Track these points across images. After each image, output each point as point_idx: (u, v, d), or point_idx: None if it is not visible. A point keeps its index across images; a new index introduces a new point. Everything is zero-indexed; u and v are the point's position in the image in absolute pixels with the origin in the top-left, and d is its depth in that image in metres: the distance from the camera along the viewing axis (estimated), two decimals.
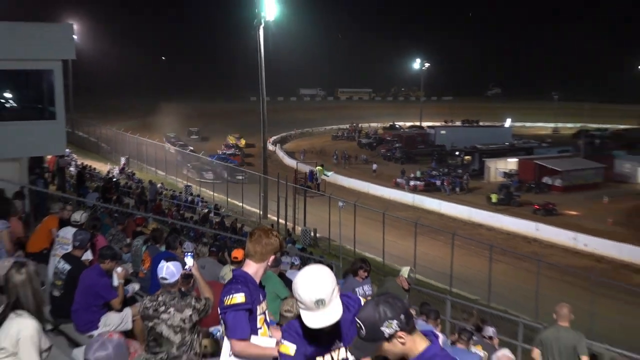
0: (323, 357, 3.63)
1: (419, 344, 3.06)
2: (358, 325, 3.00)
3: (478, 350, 8.84)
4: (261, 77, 39.18)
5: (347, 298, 3.71)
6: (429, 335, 3.14)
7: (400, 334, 2.97)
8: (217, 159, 54.31)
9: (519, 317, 19.34)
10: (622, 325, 19.88)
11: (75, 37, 21.49)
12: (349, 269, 10.76)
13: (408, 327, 2.99)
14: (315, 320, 3.37)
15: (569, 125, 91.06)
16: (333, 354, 3.64)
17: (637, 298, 22.07)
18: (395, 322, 2.95)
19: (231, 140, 68.78)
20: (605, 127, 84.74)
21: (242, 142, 67.00)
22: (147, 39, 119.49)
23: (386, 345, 3.00)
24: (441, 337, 8.27)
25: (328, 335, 3.56)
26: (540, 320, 19.52)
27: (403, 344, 2.99)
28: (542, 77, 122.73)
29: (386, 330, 2.95)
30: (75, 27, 27.72)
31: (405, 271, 10.21)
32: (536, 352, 8.54)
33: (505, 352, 6.41)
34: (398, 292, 9.81)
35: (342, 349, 3.64)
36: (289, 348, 3.52)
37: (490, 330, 10.14)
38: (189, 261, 6.75)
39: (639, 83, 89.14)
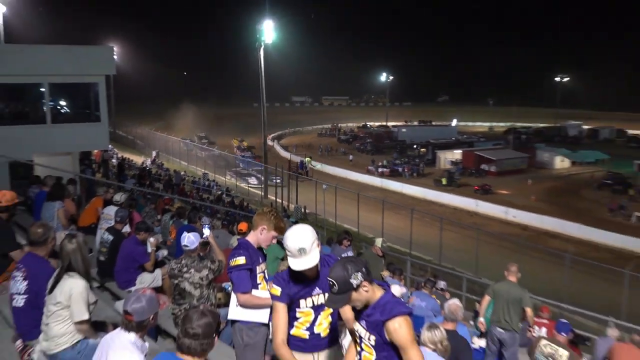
0: (305, 300, 3.66)
1: (377, 292, 3.13)
2: (331, 283, 3.05)
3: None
4: (262, 87, 39.22)
5: (329, 257, 3.79)
6: (383, 285, 3.20)
7: (364, 283, 3.05)
8: (243, 162, 49.59)
9: (463, 273, 19.47)
10: (541, 279, 20.02)
11: (115, 56, 21.28)
12: (336, 239, 10.76)
13: (369, 277, 3.08)
14: (298, 264, 3.46)
15: (501, 124, 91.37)
16: (314, 298, 3.67)
17: (553, 257, 22.21)
18: (359, 274, 3.04)
19: (235, 142, 64.84)
20: (529, 126, 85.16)
21: (245, 143, 64.03)
22: (172, 57, 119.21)
23: (354, 295, 3.07)
24: (403, 289, 8.31)
25: (309, 282, 3.62)
26: (479, 275, 19.68)
27: (367, 291, 3.07)
28: (480, 86, 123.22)
29: (354, 281, 3.03)
30: (115, 48, 27.44)
31: (378, 241, 10.22)
32: (486, 299, 8.50)
33: (455, 301, 6.40)
34: (374, 258, 9.83)
35: (321, 296, 3.67)
36: (277, 290, 3.61)
37: (441, 284, 10.19)
38: (207, 231, 6.77)
39: (555, 91, 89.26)
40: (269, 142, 61.14)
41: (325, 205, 31.46)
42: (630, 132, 79.65)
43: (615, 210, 36.88)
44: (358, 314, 3.24)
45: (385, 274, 9.79)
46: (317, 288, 3.65)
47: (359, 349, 3.33)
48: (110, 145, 32.72)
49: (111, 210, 8.92)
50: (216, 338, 3.09)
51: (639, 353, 8.06)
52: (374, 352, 3.18)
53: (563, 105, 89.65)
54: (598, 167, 53.76)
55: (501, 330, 8.23)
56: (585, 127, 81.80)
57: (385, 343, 3.10)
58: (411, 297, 9.07)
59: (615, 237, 30.21)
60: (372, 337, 3.14)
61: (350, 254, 9.86)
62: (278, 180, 37.06)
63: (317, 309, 3.69)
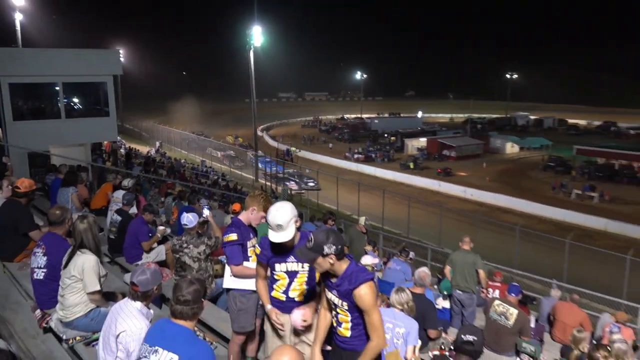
0: (280, 264, 3.71)
1: (343, 265, 3.17)
2: (310, 238, 3.10)
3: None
4: (252, 85, 38.96)
5: (309, 233, 3.72)
6: (348, 256, 3.23)
7: (332, 256, 3.08)
8: (263, 162, 40.34)
9: (428, 245, 19.63)
10: (495, 248, 20.23)
11: (121, 58, 20.99)
12: (321, 218, 10.71)
13: (339, 255, 3.10)
14: (275, 237, 3.51)
15: (460, 115, 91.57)
16: (288, 264, 3.70)
17: (505, 230, 22.41)
18: (333, 247, 3.07)
19: (230, 139, 60.97)
20: (484, 116, 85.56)
21: (241, 139, 60.64)
22: (173, 59, 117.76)
23: (320, 259, 3.10)
24: (375, 259, 8.33)
25: (285, 250, 3.66)
26: (442, 246, 19.83)
27: (331, 264, 3.10)
28: (442, 82, 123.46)
29: (326, 249, 3.06)
30: (121, 51, 26.96)
31: (362, 220, 10.21)
32: (447, 269, 8.68)
33: (423, 269, 6.45)
34: (358, 235, 9.79)
35: (296, 264, 3.70)
36: (258, 249, 3.75)
37: (411, 254, 10.23)
38: (206, 212, 6.77)
39: (506, 85, 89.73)
40: (259, 133, 60.94)
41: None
42: (570, 121, 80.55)
43: (557, 188, 37.34)
44: (329, 286, 3.30)
45: (368, 248, 9.80)
46: (293, 257, 3.67)
47: (334, 313, 3.39)
48: (118, 137, 32.27)
49: (120, 194, 8.83)
50: (204, 302, 3.08)
51: (578, 310, 8.23)
52: (348, 314, 3.24)
53: (513, 99, 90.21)
54: (543, 152, 54.22)
55: (460, 292, 8.37)
56: (532, 117, 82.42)
57: (356, 306, 3.18)
58: (389, 262, 9.14)
59: (558, 211, 30.58)
60: (345, 303, 3.21)
61: None
62: (312, 184, 34.80)
63: (291, 274, 3.72)
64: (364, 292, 3.07)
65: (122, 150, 33.54)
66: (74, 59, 17.05)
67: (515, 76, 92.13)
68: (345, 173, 41.01)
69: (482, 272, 8.37)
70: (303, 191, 33.79)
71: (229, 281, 4.30)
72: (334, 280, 3.23)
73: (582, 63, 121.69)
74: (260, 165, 39.62)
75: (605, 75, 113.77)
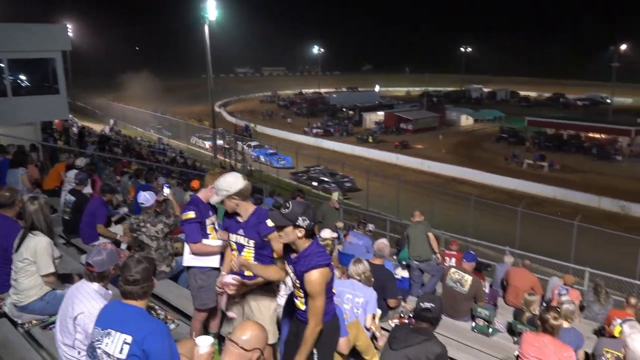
0: (231, 234, 3.77)
1: (306, 243, 3.16)
2: (287, 205, 3.11)
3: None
4: (208, 60, 38.31)
5: (262, 210, 3.76)
6: (314, 236, 3.23)
7: (302, 230, 3.08)
8: (266, 155, 36.41)
9: (387, 216, 19.94)
10: (450, 218, 20.72)
11: (70, 33, 20.13)
12: (290, 196, 10.60)
13: (309, 232, 3.12)
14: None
15: (416, 88, 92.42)
16: (237, 237, 3.72)
17: (460, 200, 22.92)
18: (307, 222, 3.07)
19: (194, 122, 54.20)
20: (440, 90, 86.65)
21: (206, 122, 57.11)
22: (125, 33, 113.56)
23: (289, 229, 3.09)
24: (334, 233, 8.38)
25: (236, 223, 3.71)
26: (401, 218, 20.15)
27: (299, 237, 3.10)
28: (398, 56, 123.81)
29: (299, 221, 3.05)
30: (70, 26, 25.82)
31: (335, 195, 10.25)
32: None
33: (382, 240, 6.55)
34: (331, 211, 9.80)
35: (242, 238, 3.71)
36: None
37: (370, 226, 10.35)
38: (167, 190, 6.67)
39: (460, 59, 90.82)
40: (217, 109, 59.83)
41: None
42: (522, 93, 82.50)
43: (510, 159, 38.35)
44: (289, 261, 3.30)
45: (340, 224, 9.83)
46: (242, 230, 3.69)
47: (291, 284, 3.43)
48: (70, 115, 31.17)
49: (72, 173, 8.54)
50: (154, 280, 3.00)
51: (529, 274, 8.57)
52: (301, 292, 3.24)
53: (467, 72, 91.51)
54: (496, 124, 55.31)
55: (418, 262, 8.59)
56: (485, 90, 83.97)
57: (304, 287, 3.20)
58: (348, 236, 9.24)
59: (510, 181, 31.35)
60: (298, 282, 3.23)
61: None
62: (348, 184, 28.84)
63: (239, 247, 3.73)
64: (314, 278, 3.06)
65: (75, 129, 32.35)
66: (20, 34, 16.12)
67: (469, 50, 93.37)
68: (305, 148, 40.86)
69: (431, 235, 8.75)
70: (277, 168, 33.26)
71: (188, 259, 4.28)
72: (293, 256, 3.23)
73: (532, 35, 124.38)
74: (264, 159, 35.98)
75: (554, 48, 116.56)
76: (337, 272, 5.69)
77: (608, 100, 64.27)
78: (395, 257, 10.10)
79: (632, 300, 7.35)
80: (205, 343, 2.80)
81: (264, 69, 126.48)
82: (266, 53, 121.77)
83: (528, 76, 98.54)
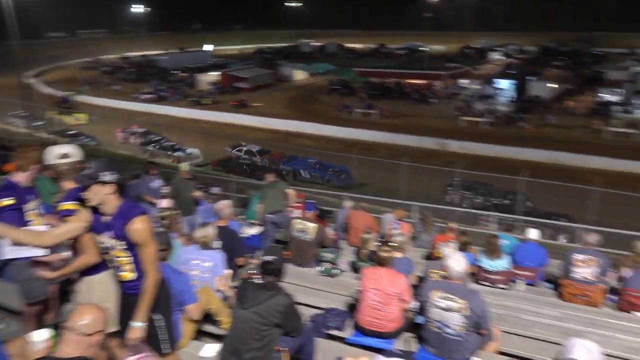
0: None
1: (117, 202, 3.11)
2: (91, 165, 3.06)
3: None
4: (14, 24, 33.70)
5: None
6: (124, 197, 3.19)
7: (111, 186, 3.03)
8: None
9: (232, 178, 19.89)
10: None
11: None
12: (144, 171, 9.87)
13: (118, 190, 3.09)
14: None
15: (249, 46, 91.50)
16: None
17: (299, 152, 23.81)
18: (116, 177, 3.04)
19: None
20: (272, 46, 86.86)
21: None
22: None
23: (97, 187, 3.03)
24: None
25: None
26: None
27: (108, 194, 3.05)
28: (228, 13, 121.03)
29: (106, 176, 3.01)
30: None
31: (184, 166, 9.73)
32: (261, 207, 8.90)
33: (222, 202, 6.58)
34: (184, 182, 9.25)
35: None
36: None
37: (215, 189, 10.24)
38: None
39: (289, 14, 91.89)
40: (30, 80, 53.55)
41: (102, 135, 29.34)
42: (347, 45, 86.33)
43: (341, 110, 40.23)
44: (100, 229, 3.19)
45: (197, 194, 9.40)
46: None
47: (109, 260, 3.28)
48: None
49: None
50: None
51: (366, 215, 9.27)
52: (128, 253, 3.17)
53: (297, 27, 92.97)
54: (328, 77, 57.22)
55: (272, 215, 8.76)
56: (315, 44, 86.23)
57: (133, 244, 3.13)
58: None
59: (343, 130, 32.88)
60: (121, 243, 3.15)
61: (157, 182, 9.32)
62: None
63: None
64: (140, 225, 3.06)
65: None
66: None
67: (298, 4, 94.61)
68: (137, 115, 38.48)
69: (291, 192, 8.98)
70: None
71: (9, 251, 3.76)
72: (106, 219, 3.12)
73: None
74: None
75: (377, 1, 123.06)
76: (181, 240, 5.60)
77: (424, 49, 70.48)
78: (241, 216, 10.18)
79: (453, 225, 8.35)
80: (40, 337, 2.61)
81: (81, 32, 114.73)
82: (82, 14, 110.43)
83: (353, 29, 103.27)
